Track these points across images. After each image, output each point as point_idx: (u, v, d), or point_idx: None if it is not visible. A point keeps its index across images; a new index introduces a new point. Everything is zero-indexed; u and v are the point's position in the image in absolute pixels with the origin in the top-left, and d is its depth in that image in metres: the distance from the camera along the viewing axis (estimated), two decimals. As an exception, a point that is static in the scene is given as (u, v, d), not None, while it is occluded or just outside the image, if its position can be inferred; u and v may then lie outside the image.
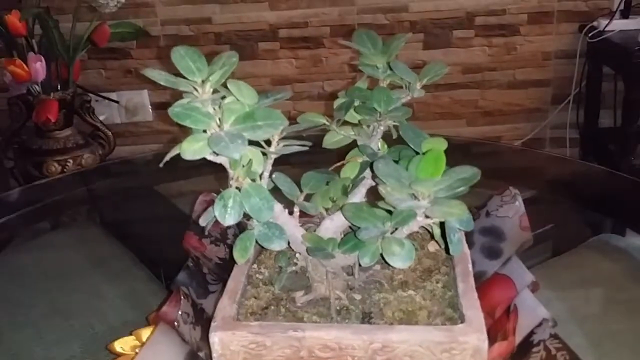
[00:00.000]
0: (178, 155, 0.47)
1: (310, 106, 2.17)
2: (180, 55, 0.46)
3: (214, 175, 1.18)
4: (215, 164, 0.48)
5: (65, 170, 1.93)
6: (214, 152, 0.46)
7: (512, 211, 0.69)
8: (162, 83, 0.45)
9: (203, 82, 0.46)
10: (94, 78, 2.12)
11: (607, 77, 2.05)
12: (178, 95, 0.48)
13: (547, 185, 1.10)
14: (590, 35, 1.96)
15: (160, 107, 2.19)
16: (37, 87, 1.86)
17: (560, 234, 0.97)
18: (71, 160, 1.94)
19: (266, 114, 0.45)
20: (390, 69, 0.65)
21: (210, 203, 0.75)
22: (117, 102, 2.16)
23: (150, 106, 2.18)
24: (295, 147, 0.54)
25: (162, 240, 0.99)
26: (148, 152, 2.23)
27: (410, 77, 0.63)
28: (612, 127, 2.10)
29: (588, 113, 2.11)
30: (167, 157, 0.47)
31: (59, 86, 1.92)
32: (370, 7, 2.06)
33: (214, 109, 0.46)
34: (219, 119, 0.46)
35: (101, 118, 2.06)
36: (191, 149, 0.45)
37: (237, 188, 0.49)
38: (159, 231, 1.03)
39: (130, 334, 0.71)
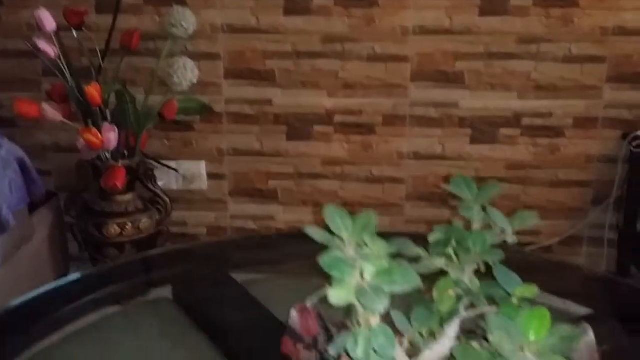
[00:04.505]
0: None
1: (358, 187, 2.27)
2: (332, 215, 0.55)
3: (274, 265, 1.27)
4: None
5: (123, 232, 2.04)
6: (354, 298, 0.54)
7: (584, 346, 0.76)
8: (318, 240, 0.54)
9: (349, 239, 0.54)
10: (156, 147, 2.25)
11: (648, 183, 2.12)
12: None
13: (597, 305, 1.17)
14: (634, 144, 2.04)
15: (215, 178, 2.30)
16: (107, 154, 1.99)
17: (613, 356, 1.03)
18: (130, 224, 2.04)
19: (403, 271, 0.54)
20: (485, 212, 0.74)
21: (305, 312, 0.84)
22: (176, 170, 2.27)
23: (206, 176, 2.29)
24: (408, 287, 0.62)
25: (233, 323, 1.08)
26: (202, 219, 2.33)
27: (503, 223, 0.71)
28: (650, 232, 2.17)
29: (627, 217, 2.18)
30: (315, 299, 0.55)
31: (126, 153, 2.04)
32: (423, 101, 2.17)
33: (357, 261, 0.54)
34: (360, 271, 0.54)
35: (160, 184, 2.17)
36: (338, 296, 0.53)
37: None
38: (229, 314, 1.11)
39: None
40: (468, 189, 0.75)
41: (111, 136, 1.90)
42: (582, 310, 1.10)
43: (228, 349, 1.00)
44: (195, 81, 1.97)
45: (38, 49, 1.90)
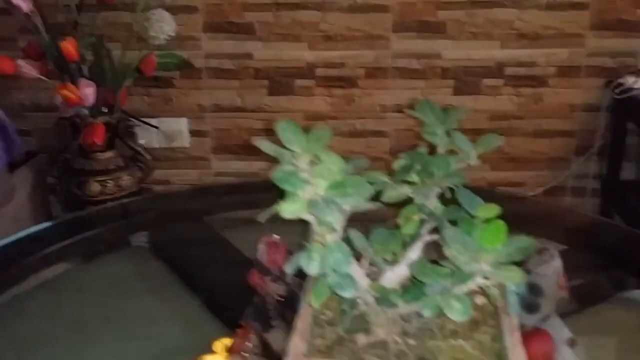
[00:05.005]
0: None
1: (341, 142, 2.25)
2: (284, 129, 0.53)
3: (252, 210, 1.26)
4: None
5: (105, 190, 2.02)
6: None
7: (550, 270, 0.76)
8: (270, 153, 0.53)
9: (301, 152, 0.53)
10: (136, 104, 2.22)
11: (631, 131, 2.11)
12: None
13: (570, 239, 1.17)
14: (617, 91, 2.03)
15: (197, 135, 2.28)
16: (85, 110, 1.96)
17: (586, 288, 1.03)
18: (111, 182, 2.03)
19: (355, 183, 0.53)
20: (449, 137, 0.73)
21: (272, 245, 0.83)
22: (157, 127, 2.25)
23: (188, 133, 2.27)
24: (367, 205, 0.61)
25: (207, 267, 1.07)
26: (184, 177, 2.32)
27: (467, 146, 0.70)
28: (634, 180, 2.17)
29: (610, 165, 2.18)
30: (267, 215, 0.55)
31: (105, 110, 2.01)
32: (405, 52, 2.14)
33: (310, 175, 0.53)
34: (314, 185, 0.53)
35: (141, 142, 2.15)
36: (290, 209, 0.52)
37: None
38: (204, 258, 1.11)
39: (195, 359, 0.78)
40: (432, 113, 0.74)
41: (88, 92, 1.87)
42: (557, 247, 1.10)
43: (204, 295, 0.99)
44: (173, 34, 1.93)
45: (11, 4, 1.86)
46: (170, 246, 1.16)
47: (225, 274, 1.03)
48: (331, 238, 0.56)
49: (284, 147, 0.54)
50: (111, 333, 0.91)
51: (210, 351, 0.80)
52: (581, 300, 1.00)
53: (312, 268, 0.55)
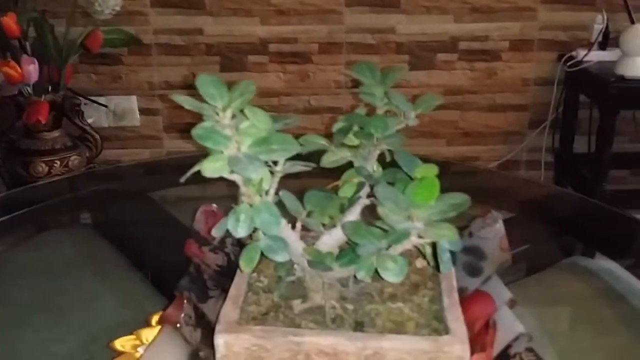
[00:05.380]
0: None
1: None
2: (204, 83, 0.50)
3: (200, 185, 1.23)
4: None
5: (52, 171, 1.96)
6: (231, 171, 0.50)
7: (493, 233, 0.75)
8: (187, 107, 0.50)
9: (224, 107, 0.50)
10: (84, 82, 2.15)
11: (583, 104, 2.13)
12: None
13: (523, 207, 1.17)
14: (568, 64, 2.04)
15: (148, 113, 2.23)
16: (28, 88, 1.89)
17: (534, 254, 1.03)
18: (58, 162, 1.97)
19: (281, 139, 0.50)
20: (387, 98, 0.71)
21: (210, 214, 0.80)
22: (105, 106, 2.19)
23: (138, 112, 2.22)
24: (299, 167, 0.59)
25: (153, 244, 1.04)
26: (136, 156, 2.26)
27: (405, 106, 0.68)
28: (586, 152, 2.19)
29: (563, 138, 2.19)
30: (189, 174, 0.52)
31: (50, 88, 1.95)
32: (358, 27, 2.12)
33: (233, 132, 0.50)
34: (237, 142, 0.50)
35: (89, 121, 2.09)
36: (211, 168, 0.50)
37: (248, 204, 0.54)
38: (149, 235, 1.07)
39: (131, 334, 0.75)
40: (370, 74, 0.71)
41: (31, 69, 1.81)
42: (504, 215, 1.10)
43: (148, 272, 0.96)
44: (118, 8, 1.87)
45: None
46: (114, 223, 1.13)
47: (171, 250, 1.00)
48: (259, 199, 0.54)
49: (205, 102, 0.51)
50: (50, 312, 0.87)
51: (150, 326, 0.77)
52: (528, 266, 1.00)
53: (239, 230, 0.52)
